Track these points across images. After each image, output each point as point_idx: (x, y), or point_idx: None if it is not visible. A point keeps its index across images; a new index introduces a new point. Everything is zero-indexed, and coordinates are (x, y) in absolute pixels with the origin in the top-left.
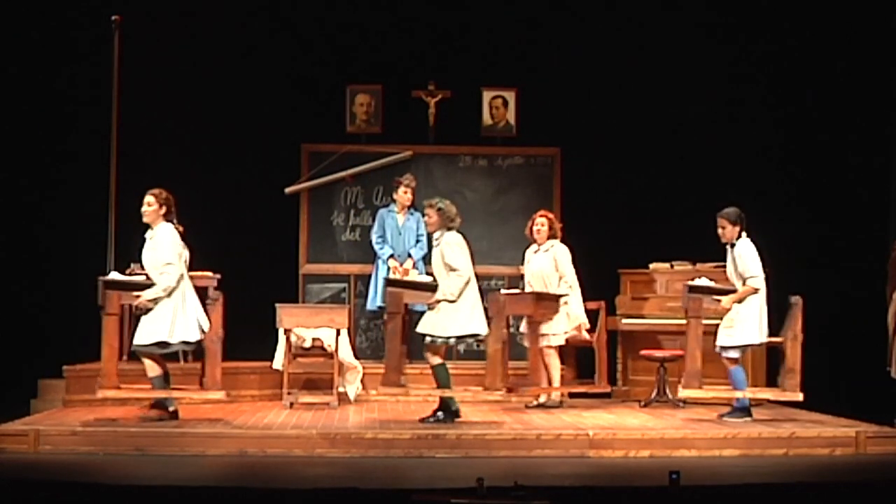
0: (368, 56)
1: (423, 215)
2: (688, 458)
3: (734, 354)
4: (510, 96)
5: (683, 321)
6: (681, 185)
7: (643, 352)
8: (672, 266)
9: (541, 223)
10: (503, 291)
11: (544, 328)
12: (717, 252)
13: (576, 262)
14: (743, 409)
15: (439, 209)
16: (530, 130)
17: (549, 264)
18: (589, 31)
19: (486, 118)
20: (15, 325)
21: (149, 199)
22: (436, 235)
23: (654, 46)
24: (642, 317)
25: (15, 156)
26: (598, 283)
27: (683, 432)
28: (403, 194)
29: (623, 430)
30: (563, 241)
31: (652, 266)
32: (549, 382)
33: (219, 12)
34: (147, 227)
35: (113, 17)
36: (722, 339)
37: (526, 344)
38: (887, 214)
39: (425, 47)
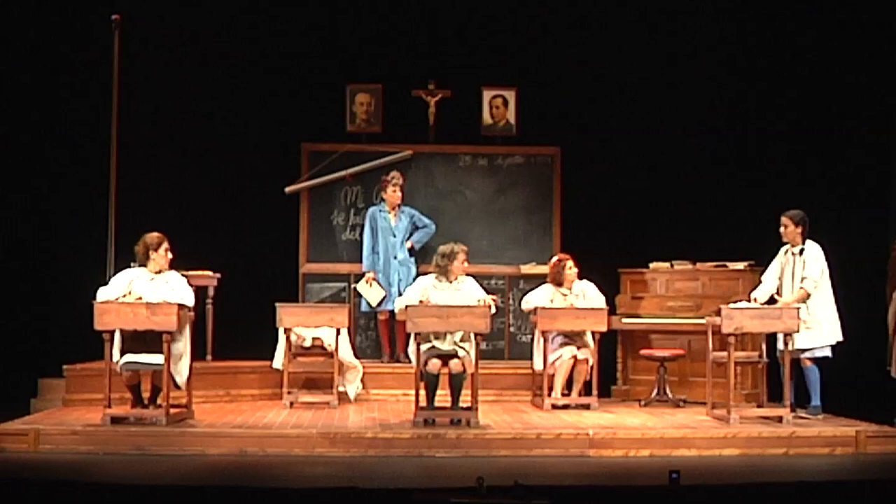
0: (368, 56)
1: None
2: (688, 457)
3: (819, 354)
4: (510, 96)
5: (683, 321)
6: (681, 186)
7: (643, 351)
8: (672, 266)
9: (569, 266)
10: None
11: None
12: (717, 252)
13: (575, 263)
14: (816, 406)
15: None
16: (530, 130)
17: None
18: (589, 31)
19: (486, 118)
20: (15, 325)
21: (167, 249)
22: (460, 280)
23: (655, 46)
24: (642, 316)
25: (15, 156)
26: (598, 282)
27: (683, 432)
28: (392, 193)
29: (623, 429)
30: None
31: (652, 266)
32: None
33: (219, 12)
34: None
35: (113, 17)
36: (803, 342)
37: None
38: (887, 214)
39: (425, 47)
